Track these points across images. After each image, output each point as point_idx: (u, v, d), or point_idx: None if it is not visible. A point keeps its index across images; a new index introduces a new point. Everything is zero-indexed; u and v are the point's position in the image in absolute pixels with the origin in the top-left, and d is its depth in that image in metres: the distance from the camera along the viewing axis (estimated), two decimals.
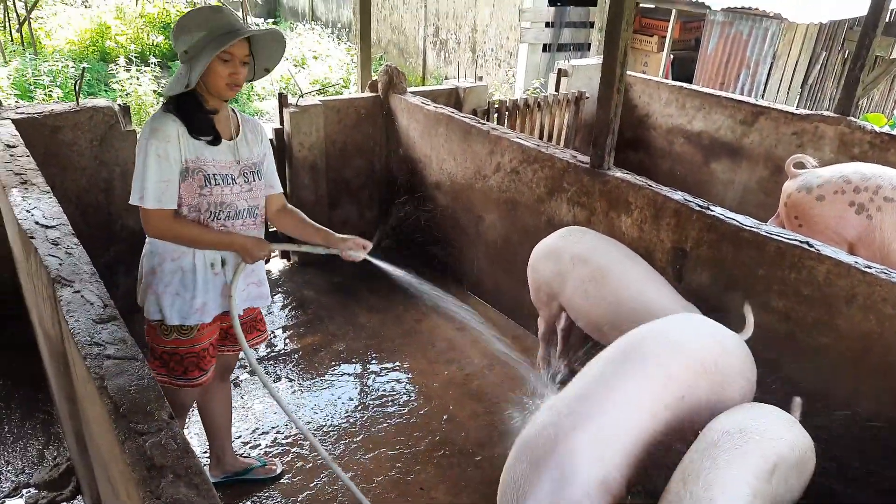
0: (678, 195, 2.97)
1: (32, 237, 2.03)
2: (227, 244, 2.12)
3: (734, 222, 2.74)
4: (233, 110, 2.25)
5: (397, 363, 3.55)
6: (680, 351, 2.08)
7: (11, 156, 2.73)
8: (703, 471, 1.73)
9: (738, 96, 5.21)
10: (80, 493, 2.55)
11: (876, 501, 2.45)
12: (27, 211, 2.21)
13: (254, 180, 2.19)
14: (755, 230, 2.67)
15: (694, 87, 5.55)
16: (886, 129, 4.56)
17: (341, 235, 2.30)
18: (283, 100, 4.23)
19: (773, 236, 2.61)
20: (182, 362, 2.18)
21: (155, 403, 1.36)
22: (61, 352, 1.91)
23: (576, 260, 2.89)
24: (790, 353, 2.60)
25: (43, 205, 2.26)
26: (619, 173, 3.21)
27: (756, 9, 7.99)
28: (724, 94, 5.25)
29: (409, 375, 3.46)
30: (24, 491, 2.58)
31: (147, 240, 2.13)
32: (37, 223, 2.12)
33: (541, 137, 5.51)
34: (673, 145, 5.54)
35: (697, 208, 2.86)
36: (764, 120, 4.83)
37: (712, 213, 2.82)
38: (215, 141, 2.09)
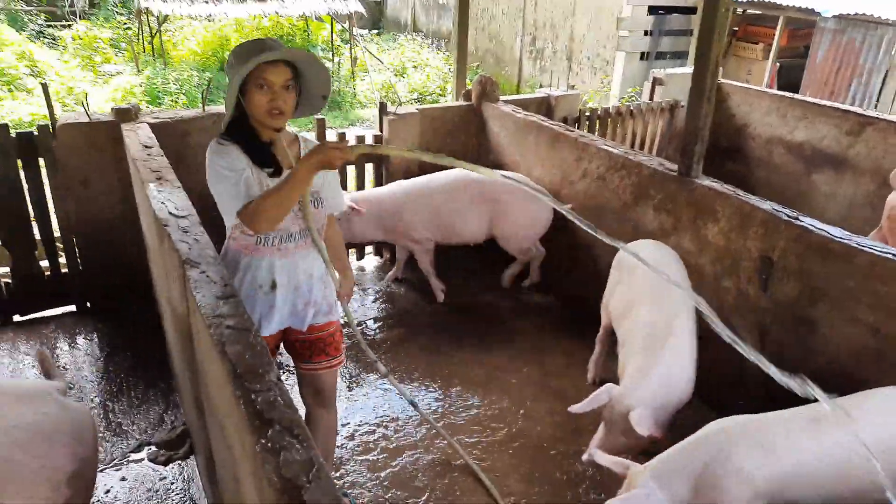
0: (767, 204, 2.95)
1: (166, 225, 2.34)
2: (300, 179, 1.99)
3: (824, 233, 2.71)
4: (298, 137, 2.26)
5: (478, 356, 3.71)
6: None
7: (149, 155, 3.12)
8: None
9: (843, 106, 5.02)
10: (193, 452, 2.88)
11: None
12: (162, 203, 2.55)
13: (315, 208, 2.21)
14: (845, 241, 2.62)
15: (796, 96, 5.39)
16: None
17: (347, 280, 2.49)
18: (382, 108, 4.51)
19: (864, 248, 2.56)
20: None
21: (266, 367, 1.58)
22: (186, 324, 2.20)
23: (628, 271, 3.06)
24: (877, 368, 2.53)
25: (175, 198, 2.59)
26: (706, 181, 3.22)
27: (871, 15, 7.57)
28: (828, 103, 5.07)
29: (489, 369, 3.60)
30: (146, 448, 2.94)
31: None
32: (170, 213, 2.44)
33: (632, 146, 5.52)
34: (772, 155, 5.39)
35: (786, 218, 2.84)
36: (872, 131, 4.62)
37: (801, 223, 2.79)
38: (276, 173, 2.10)
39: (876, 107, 7.78)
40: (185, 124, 3.78)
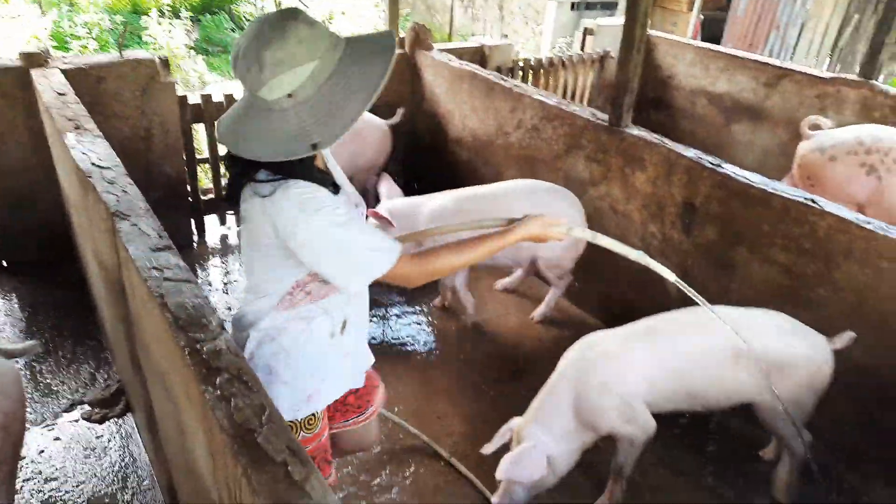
0: (691, 152, 3.09)
1: (90, 176, 2.23)
2: (507, 244, 1.75)
3: (744, 179, 2.86)
4: None
5: (417, 308, 3.76)
6: None
7: (63, 102, 2.94)
8: None
9: (763, 58, 5.23)
10: (129, 410, 2.83)
11: (868, 443, 2.63)
12: (83, 153, 2.42)
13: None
14: (763, 187, 2.78)
15: (719, 48, 5.56)
16: None
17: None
18: None
19: (779, 192, 2.73)
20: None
21: (209, 316, 1.57)
22: (117, 279, 2.13)
23: None
24: (790, 305, 2.74)
25: (98, 148, 2.46)
26: (635, 131, 3.33)
27: None
28: (748, 55, 5.26)
29: (429, 319, 3.67)
30: (79, 407, 2.86)
31: (257, 327, 1.71)
32: (93, 164, 2.33)
33: (564, 96, 5.59)
34: (695, 106, 5.58)
35: (709, 165, 2.98)
36: (787, 82, 4.85)
37: (723, 170, 2.94)
38: (337, 189, 1.65)
39: (792, 58, 8.15)
40: (100, 70, 3.56)
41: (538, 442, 2.28)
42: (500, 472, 2.26)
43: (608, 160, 3.42)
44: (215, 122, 1.55)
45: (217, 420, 1.27)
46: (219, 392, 1.36)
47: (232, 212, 1.87)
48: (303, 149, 1.38)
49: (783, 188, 2.77)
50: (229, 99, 4.13)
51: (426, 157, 4.84)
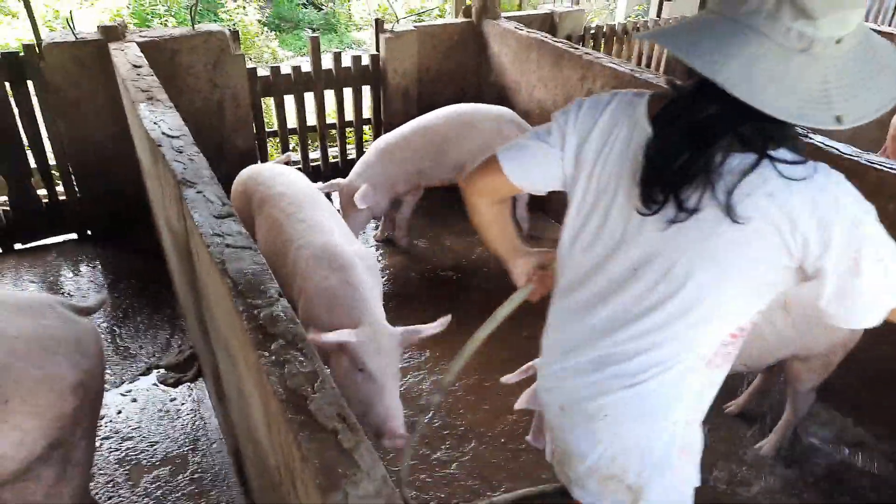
0: None
1: (160, 145, 2.29)
2: None
3: (834, 150, 2.65)
4: None
5: (478, 284, 3.72)
6: None
7: (138, 74, 3.02)
8: None
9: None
10: (201, 375, 2.93)
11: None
12: (154, 123, 2.48)
13: None
14: (855, 158, 2.57)
15: None
16: None
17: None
18: (378, 25, 4.34)
19: (873, 165, 2.51)
20: None
21: (268, 283, 1.57)
22: (185, 245, 2.18)
23: None
24: None
25: (168, 118, 2.52)
26: None
27: None
28: None
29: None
30: (155, 371, 2.99)
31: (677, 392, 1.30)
32: (163, 133, 2.38)
33: (639, 64, 5.35)
34: None
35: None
36: None
37: (810, 140, 2.73)
38: None
39: (890, 23, 7.50)
40: (174, 43, 3.65)
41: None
42: (521, 403, 2.11)
43: None
44: (641, 34, 1.20)
45: (271, 386, 1.27)
46: (273, 357, 1.36)
47: (667, 196, 1.13)
48: (825, 119, 0.98)
49: (878, 160, 2.55)
50: (297, 71, 4.17)
51: None
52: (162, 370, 2.98)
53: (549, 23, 4.87)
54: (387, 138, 3.71)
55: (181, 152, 2.26)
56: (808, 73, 0.98)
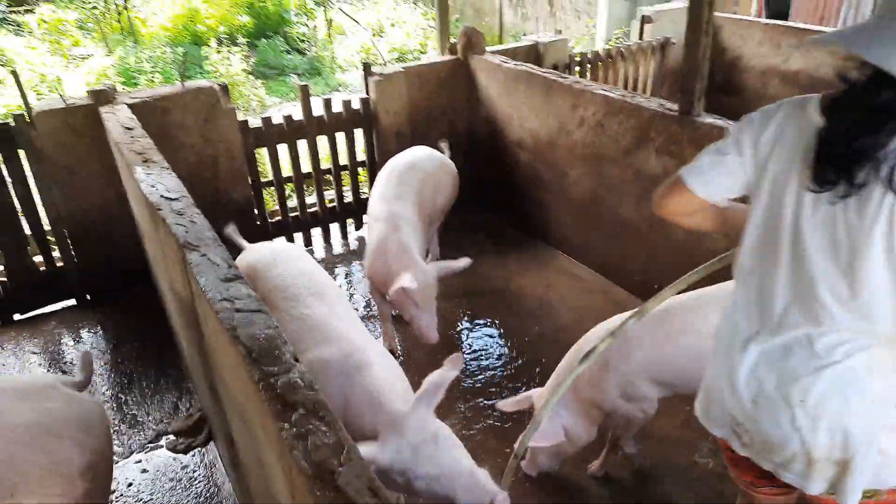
0: None
1: (160, 209, 2.25)
2: None
3: None
4: None
5: (489, 319, 3.66)
6: None
7: (132, 137, 3.01)
8: None
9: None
10: (212, 438, 2.85)
11: None
12: (152, 186, 2.45)
13: None
14: None
15: (789, 24, 5.25)
16: None
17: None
18: (367, 69, 4.36)
19: None
20: None
21: (282, 348, 1.52)
22: (192, 310, 2.13)
23: None
24: None
25: (165, 179, 2.49)
26: (709, 119, 3.14)
27: None
28: (822, 28, 4.93)
29: (501, 331, 3.57)
30: (164, 438, 2.91)
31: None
32: (162, 196, 2.35)
33: (625, 88, 5.39)
34: (767, 87, 5.28)
35: None
36: None
37: None
38: None
39: None
40: (164, 101, 3.65)
41: (554, 413, 2.30)
42: (509, 406, 2.43)
43: (681, 152, 3.24)
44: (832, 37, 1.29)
45: (295, 460, 1.21)
46: (295, 430, 1.31)
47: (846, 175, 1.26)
48: None
49: None
50: (289, 120, 4.17)
51: (486, 163, 4.75)
52: (171, 436, 2.90)
53: (534, 54, 4.91)
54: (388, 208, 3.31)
55: (181, 214, 2.22)
56: None
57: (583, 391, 2.35)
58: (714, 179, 1.48)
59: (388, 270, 3.03)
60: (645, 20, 5.67)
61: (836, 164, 1.22)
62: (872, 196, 1.20)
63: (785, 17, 7.93)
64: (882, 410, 1.37)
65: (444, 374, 1.97)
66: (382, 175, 3.58)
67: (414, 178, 3.49)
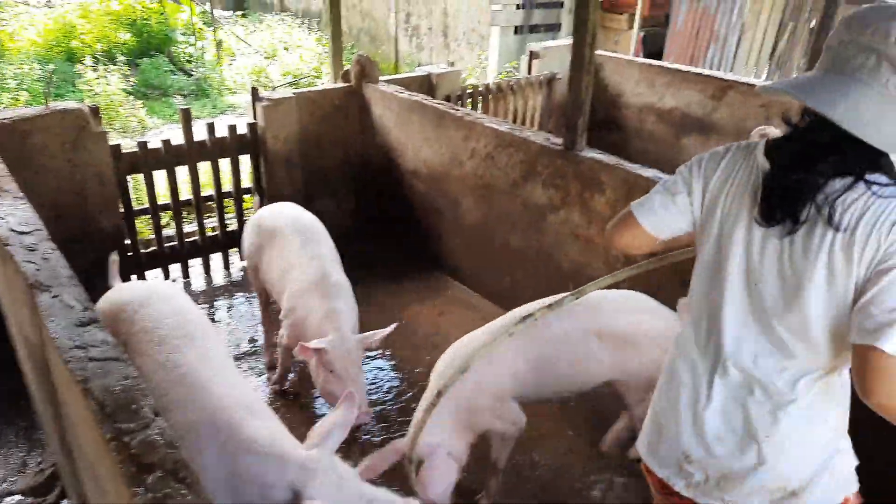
0: (649, 172, 3.03)
1: (7, 244, 2.02)
2: None
3: None
4: None
5: (380, 351, 3.58)
6: None
7: None
8: None
9: (705, 71, 5.30)
10: (65, 496, 2.56)
11: None
12: (1, 218, 2.20)
13: None
14: None
15: (663, 63, 5.62)
16: None
17: None
18: (255, 94, 4.21)
19: None
20: None
21: (140, 401, 1.38)
22: (42, 357, 1.92)
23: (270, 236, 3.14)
24: None
25: (17, 211, 2.25)
26: (591, 154, 3.26)
27: None
28: (692, 69, 5.33)
29: (393, 363, 3.49)
30: (8, 499, 2.58)
31: None
32: (11, 230, 2.11)
33: (514, 121, 5.55)
34: (645, 124, 5.61)
35: None
36: (733, 94, 4.91)
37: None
38: None
39: (732, 69, 8.34)
40: (25, 124, 3.33)
41: (435, 449, 2.27)
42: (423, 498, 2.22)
43: (566, 185, 3.34)
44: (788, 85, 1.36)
45: None
46: (151, 494, 1.17)
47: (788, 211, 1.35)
48: None
49: None
50: (167, 145, 3.94)
51: (381, 191, 4.71)
52: (17, 496, 2.58)
53: (427, 84, 4.95)
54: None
55: (33, 250, 2.01)
56: None
57: (461, 417, 2.34)
58: (665, 218, 1.56)
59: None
60: (533, 55, 5.88)
61: (780, 202, 1.32)
62: (815, 232, 1.28)
63: (659, 56, 8.53)
64: (838, 438, 1.47)
65: (345, 415, 1.91)
66: (287, 231, 3.12)
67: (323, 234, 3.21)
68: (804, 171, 1.28)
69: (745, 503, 1.49)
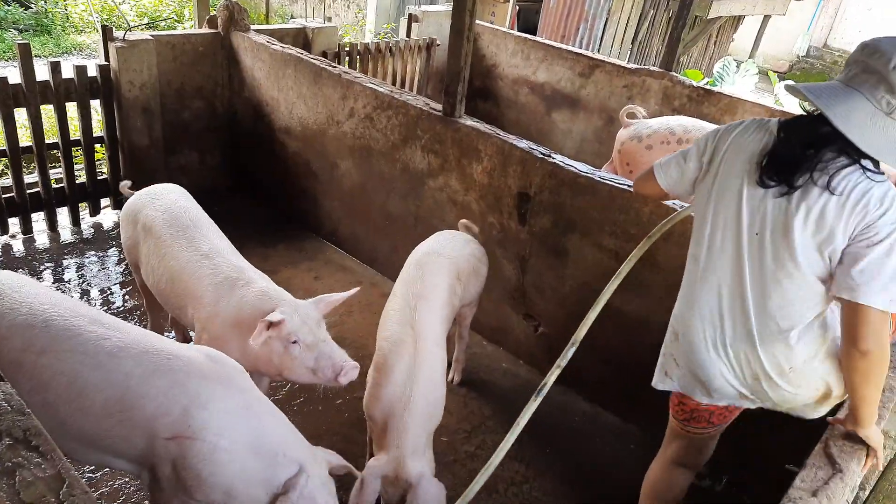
0: (523, 143, 3.13)
1: None
2: None
3: (573, 169, 2.95)
4: None
5: None
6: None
7: None
8: (418, 278, 2.60)
9: (577, 49, 5.51)
10: None
11: None
12: None
13: None
14: (590, 176, 2.89)
15: (538, 38, 5.78)
16: (702, 84, 5.08)
17: None
18: (107, 33, 3.82)
19: (605, 181, 2.85)
20: None
21: None
22: None
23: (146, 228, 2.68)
24: (620, 287, 2.88)
25: None
26: (469, 122, 3.31)
27: None
28: (564, 46, 5.53)
29: None
30: None
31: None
32: None
33: (393, 83, 5.49)
34: (518, 95, 5.77)
35: (540, 156, 3.04)
36: (599, 73, 5.16)
37: (553, 160, 3.01)
38: None
39: (599, 50, 8.77)
40: None
41: (423, 473, 2.14)
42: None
43: (445, 151, 3.37)
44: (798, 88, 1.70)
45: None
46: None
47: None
48: (893, 161, 1.61)
49: (609, 177, 2.90)
50: (3, 83, 3.48)
51: (251, 148, 4.49)
52: None
53: (302, 38, 4.75)
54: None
55: None
56: (890, 130, 1.59)
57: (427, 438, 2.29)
58: (677, 180, 2.02)
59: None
60: (412, 18, 5.82)
61: (780, 169, 1.69)
62: (811, 193, 1.65)
63: (534, 31, 8.77)
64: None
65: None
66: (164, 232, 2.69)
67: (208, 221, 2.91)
68: (813, 150, 1.64)
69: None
